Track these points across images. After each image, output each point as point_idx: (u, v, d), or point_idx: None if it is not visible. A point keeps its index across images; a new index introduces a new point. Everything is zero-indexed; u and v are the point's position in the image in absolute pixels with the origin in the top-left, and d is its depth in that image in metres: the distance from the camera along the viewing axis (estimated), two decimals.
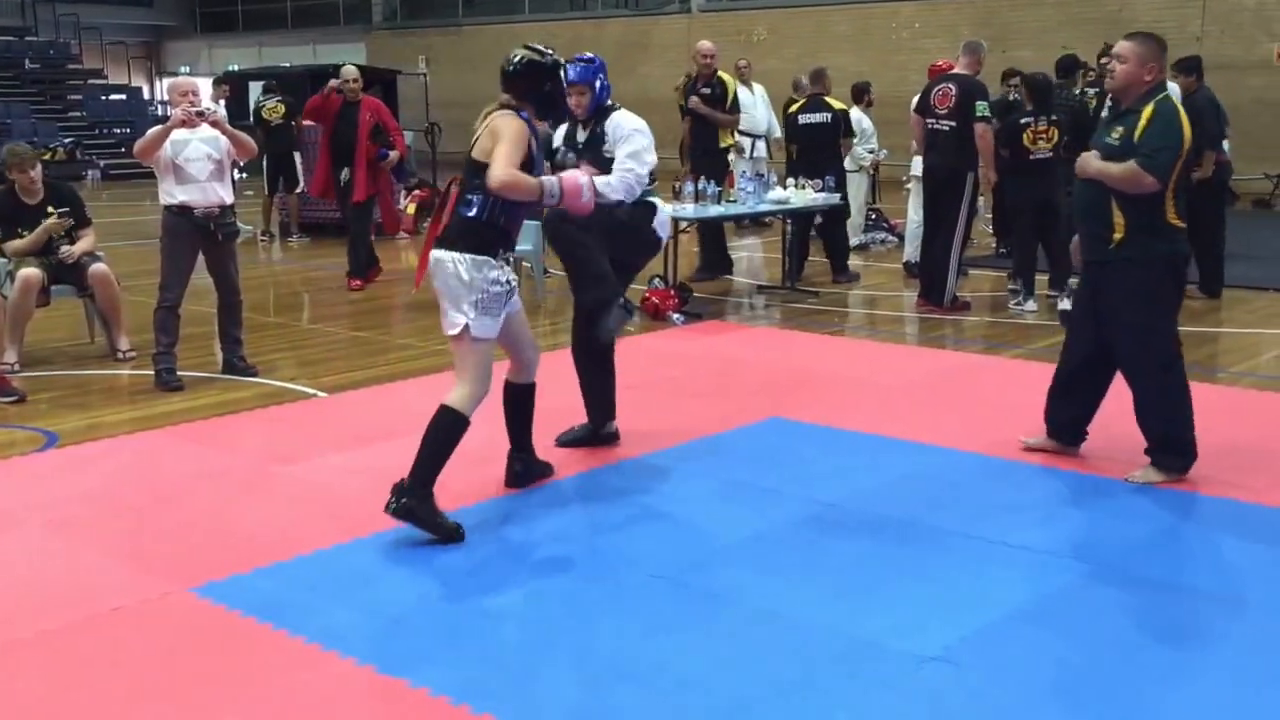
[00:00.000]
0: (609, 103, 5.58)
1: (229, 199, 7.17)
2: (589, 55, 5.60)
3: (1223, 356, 7.74)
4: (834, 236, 10.97)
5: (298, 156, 13.85)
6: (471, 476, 5.32)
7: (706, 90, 10.59)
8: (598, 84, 5.50)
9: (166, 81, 32.75)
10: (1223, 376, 7.16)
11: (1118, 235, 5.08)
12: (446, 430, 4.68)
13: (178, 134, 6.91)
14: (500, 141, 4.58)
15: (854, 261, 11.31)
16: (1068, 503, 5.04)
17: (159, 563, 4.42)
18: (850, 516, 4.85)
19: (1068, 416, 5.52)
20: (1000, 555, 4.42)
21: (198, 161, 6.98)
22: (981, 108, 8.95)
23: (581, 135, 5.59)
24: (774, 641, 3.76)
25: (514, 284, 4.80)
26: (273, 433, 6.18)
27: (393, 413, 6.40)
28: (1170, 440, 5.20)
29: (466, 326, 4.63)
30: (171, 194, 7.01)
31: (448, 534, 4.59)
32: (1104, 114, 9.26)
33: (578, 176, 4.81)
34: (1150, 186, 4.97)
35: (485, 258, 4.65)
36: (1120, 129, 5.09)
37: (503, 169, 4.51)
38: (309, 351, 8.14)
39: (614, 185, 5.25)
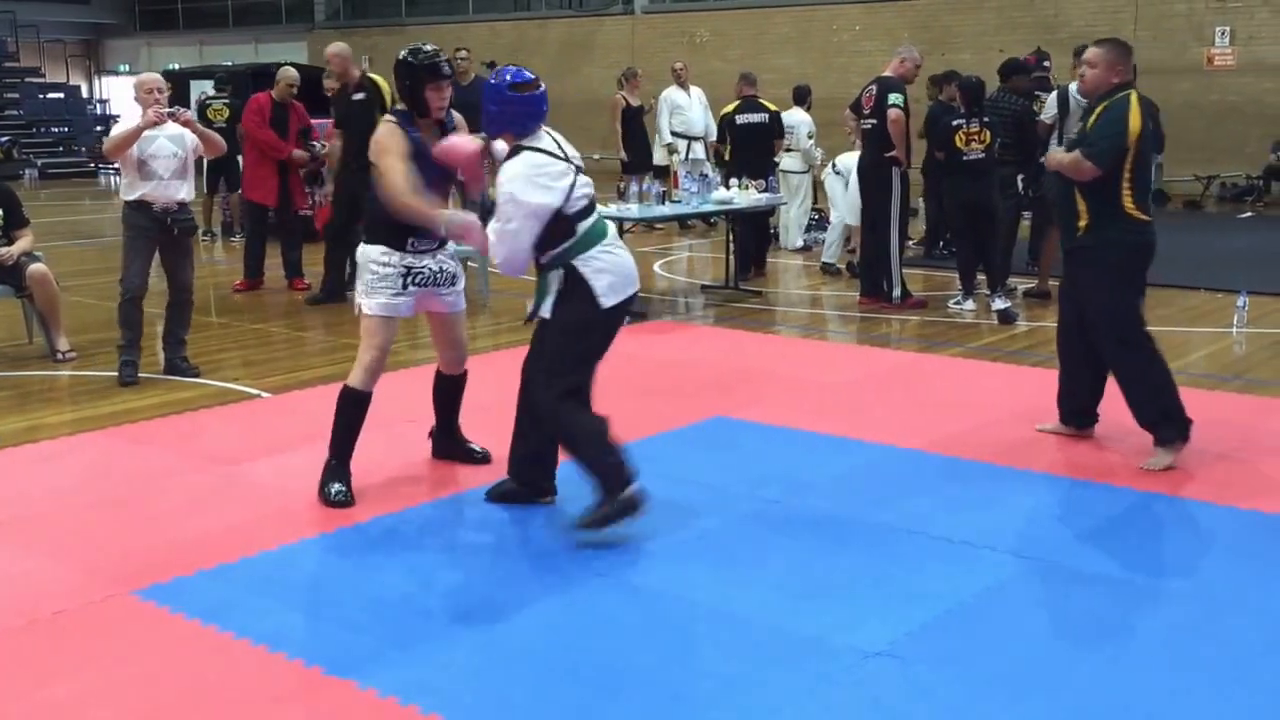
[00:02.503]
0: (522, 138, 4.59)
1: (189, 196, 7.23)
2: (507, 71, 4.65)
3: None
4: (762, 235, 11.42)
5: (240, 159, 13.72)
6: (421, 478, 5.34)
7: (360, 96, 9.49)
8: (492, 107, 4.60)
9: (111, 80, 32.47)
10: None
11: (1082, 223, 5.45)
12: (344, 405, 5.06)
13: (146, 131, 6.95)
14: (382, 155, 4.86)
15: (799, 261, 11.49)
16: (1008, 498, 5.12)
17: (102, 566, 4.39)
18: (794, 514, 4.91)
19: (1075, 403, 5.81)
20: (942, 551, 4.49)
21: (163, 158, 7.04)
22: (894, 99, 9.24)
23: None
24: (719, 638, 3.81)
25: (411, 270, 4.99)
26: (216, 433, 6.14)
27: None
28: (1161, 413, 5.46)
29: (360, 305, 5.02)
30: (132, 189, 7.07)
31: (325, 497, 4.97)
32: (1041, 116, 9.55)
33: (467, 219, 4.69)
34: (1088, 174, 5.33)
35: (374, 245, 4.98)
36: (1081, 125, 5.54)
37: (399, 195, 4.75)
38: (252, 352, 8.09)
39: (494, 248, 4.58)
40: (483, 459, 5.45)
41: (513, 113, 4.57)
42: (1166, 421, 5.45)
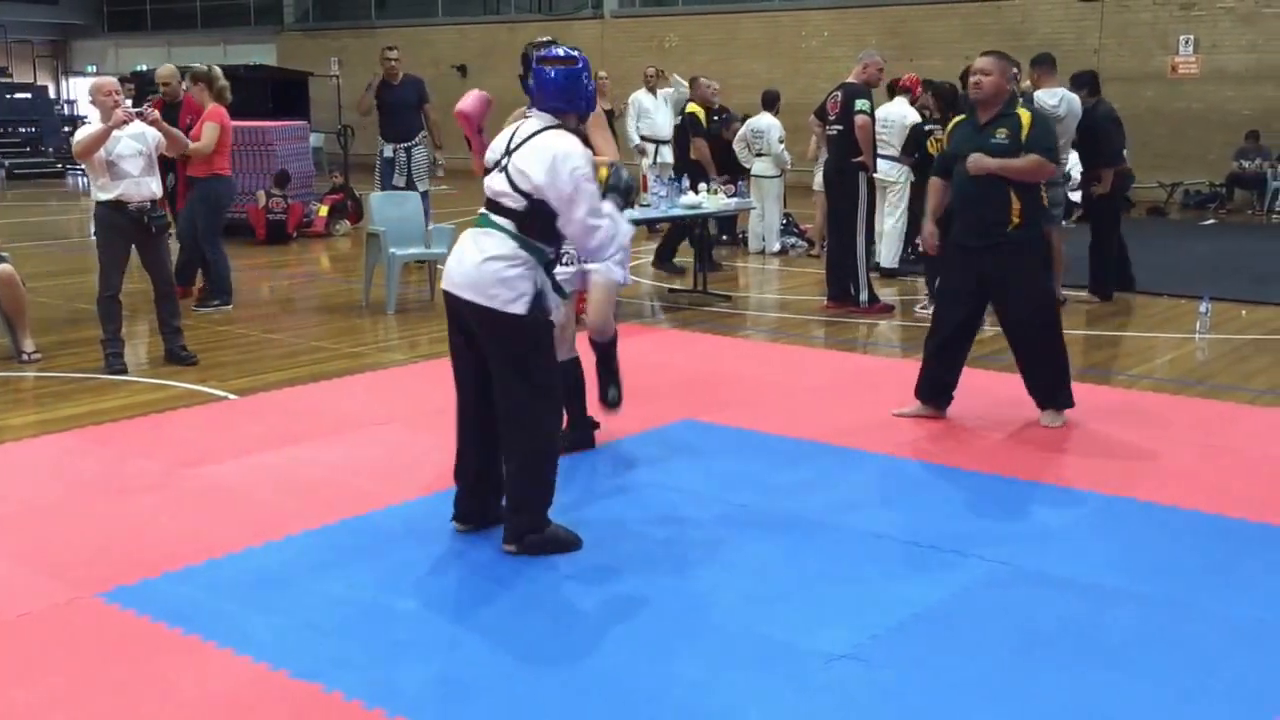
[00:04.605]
0: None
1: (159, 192, 7.46)
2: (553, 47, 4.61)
3: (1121, 360, 7.96)
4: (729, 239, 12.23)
5: None
6: (388, 480, 5.32)
7: None
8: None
9: (79, 81, 32.22)
10: (1121, 379, 7.36)
11: (1016, 220, 5.92)
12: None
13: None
14: None
15: (771, 266, 11.58)
16: (973, 502, 5.16)
17: (66, 568, 4.36)
18: (761, 517, 4.92)
19: (939, 382, 6.29)
20: (909, 554, 4.52)
21: (130, 157, 7.28)
22: (860, 104, 9.34)
23: None
24: (685, 640, 3.81)
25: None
26: (182, 435, 6.10)
27: (304, 415, 6.36)
28: (1063, 385, 6.14)
29: None
30: (106, 190, 7.27)
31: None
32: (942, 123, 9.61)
33: None
34: (1052, 173, 6.09)
35: None
36: (1005, 130, 5.92)
37: None
38: (219, 354, 8.04)
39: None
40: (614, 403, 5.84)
41: None
42: (1067, 389, 6.14)
